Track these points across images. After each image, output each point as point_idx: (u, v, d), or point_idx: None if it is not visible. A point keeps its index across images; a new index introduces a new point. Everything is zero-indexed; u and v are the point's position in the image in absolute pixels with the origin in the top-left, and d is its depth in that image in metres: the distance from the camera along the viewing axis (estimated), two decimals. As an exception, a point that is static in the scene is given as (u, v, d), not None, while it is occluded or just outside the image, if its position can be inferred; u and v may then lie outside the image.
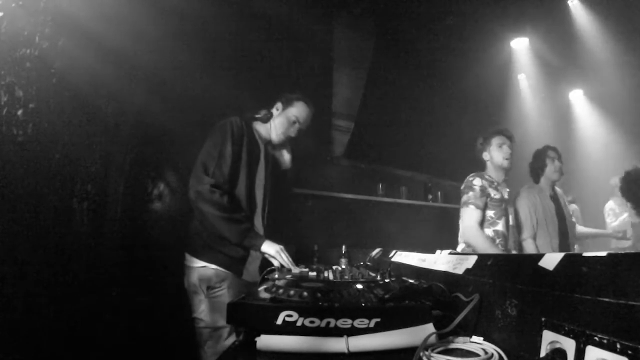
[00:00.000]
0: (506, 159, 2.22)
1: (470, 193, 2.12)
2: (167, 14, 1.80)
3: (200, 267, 1.54)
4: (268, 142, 1.81)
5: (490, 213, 2.14)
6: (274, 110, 1.80)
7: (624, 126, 4.70)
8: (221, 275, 1.54)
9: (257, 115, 1.79)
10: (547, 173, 2.63)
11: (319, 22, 3.40)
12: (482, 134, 2.34)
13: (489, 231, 2.11)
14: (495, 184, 2.22)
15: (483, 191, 2.12)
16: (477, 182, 2.16)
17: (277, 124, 1.77)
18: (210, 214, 1.49)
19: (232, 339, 1.46)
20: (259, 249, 1.53)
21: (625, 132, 4.70)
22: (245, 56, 2.54)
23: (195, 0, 2.00)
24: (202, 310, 1.51)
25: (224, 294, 1.53)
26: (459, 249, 2.20)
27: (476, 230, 2.07)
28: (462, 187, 2.21)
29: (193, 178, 1.53)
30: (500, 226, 2.13)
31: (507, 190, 2.33)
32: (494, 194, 2.15)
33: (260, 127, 1.80)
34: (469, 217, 2.09)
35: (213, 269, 1.53)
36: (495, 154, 2.26)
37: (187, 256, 1.59)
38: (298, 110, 1.79)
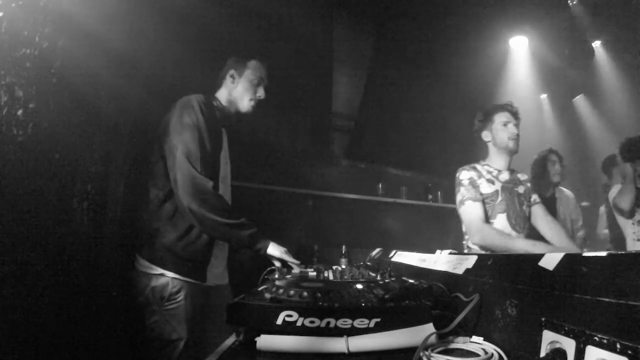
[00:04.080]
0: (512, 139, 1.83)
1: (462, 189, 1.81)
2: (167, 14, 1.80)
3: (156, 275, 1.35)
4: (231, 117, 1.62)
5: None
6: (228, 78, 1.61)
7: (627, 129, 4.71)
8: (177, 284, 1.36)
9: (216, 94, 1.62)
10: (548, 176, 2.73)
11: (319, 22, 3.40)
12: (482, 109, 1.95)
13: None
14: (495, 172, 1.86)
15: (473, 184, 1.79)
16: (464, 174, 1.83)
17: (242, 92, 1.59)
18: (217, 223, 1.32)
19: (232, 339, 1.43)
20: (265, 252, 1.43)
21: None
22: (245, 56, 2.54)
23: (196, 0, 2.01)
24: (154, 321, 1.35)
25: (181, 306, 1.36)
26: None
27: (481, 225, 1.70)
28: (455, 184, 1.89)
29: (188, 182, 1.31)
30: (497, 225, 1.78)
31: (523, 176, 1.95)
32: (485, 187, 1.80)
33: (223, 100, 1.60)
34: (468, 213, 1.76)
35: (170, 277, 1.35)
36: (499, 134, 1.85)
37: (139, 258, 1.40)
38: (256, 70, 1.62)
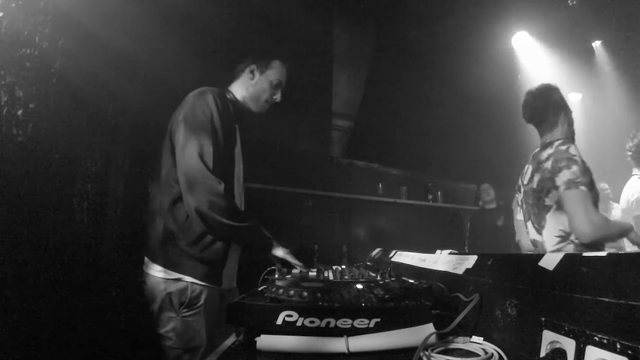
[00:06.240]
0: None
1: (574, 167, 1.38)
2: (167, 14, 1.81)
3: (173, 280, 1.24)
4: (244, 113, 1.51)
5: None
6: (247, 73, 1.50)
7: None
8: (197, 289, 1.26)
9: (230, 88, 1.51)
10: None
11: (319, 22, 3.40)
12: (555, 89, 1.68)
13: None
14: None
15: (584, 164, 1.42)
16: (574, 150, 1.43)
17: (259, 90, 1.49)
18: (225, 226, 1.24)
19: (232, 339, 1.40)
20: (269, 252, 1.38)
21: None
22: (245, 56, 2.54)
23: (196, 0, 2.01)
24: (171, 328, 1.24)
25: (201, 311, 1.26)
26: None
27: (601, 218, 1.36)
28: (553, 162, 1.45)
29: (199, 182, 1.21)
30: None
31: None
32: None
33: (237, 94, 1.49)
34: (583, 203, 1.34)
35: (188, 282, 1.25)
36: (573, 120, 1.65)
37: (150, 263, 1.29)
38: (278, 71, 1.52)
